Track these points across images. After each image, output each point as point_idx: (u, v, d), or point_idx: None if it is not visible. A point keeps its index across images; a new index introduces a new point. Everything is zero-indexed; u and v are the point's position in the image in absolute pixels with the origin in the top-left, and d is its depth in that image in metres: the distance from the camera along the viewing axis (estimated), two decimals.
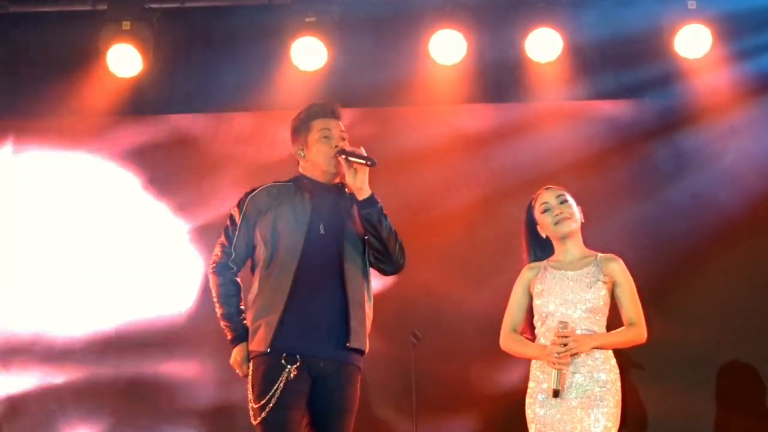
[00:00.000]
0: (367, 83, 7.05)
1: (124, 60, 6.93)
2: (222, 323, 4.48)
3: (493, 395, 6.61)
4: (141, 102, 7.20)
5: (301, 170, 4.63)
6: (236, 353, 4.42)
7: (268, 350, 4.27)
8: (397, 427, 6.73)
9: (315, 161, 4.55)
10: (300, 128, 4.59)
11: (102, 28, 6.92)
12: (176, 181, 7.17)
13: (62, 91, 7.08)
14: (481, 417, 6.79)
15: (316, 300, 4.33)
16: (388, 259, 4.49)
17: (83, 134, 7.25)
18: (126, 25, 6.89)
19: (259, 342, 4.31)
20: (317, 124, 4.55)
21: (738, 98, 6.94)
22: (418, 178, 7.03)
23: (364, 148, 4.46)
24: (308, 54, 6.86)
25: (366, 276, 4.50)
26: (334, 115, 4.59)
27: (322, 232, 4.42)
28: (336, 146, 4.49)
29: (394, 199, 6.84)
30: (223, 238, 4.52)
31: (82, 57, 7.06)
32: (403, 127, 7.12)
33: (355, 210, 4.47)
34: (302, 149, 4.59)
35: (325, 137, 4.52)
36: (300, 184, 4.55)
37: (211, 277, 4.52)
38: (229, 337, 4.46)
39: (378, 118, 7.15)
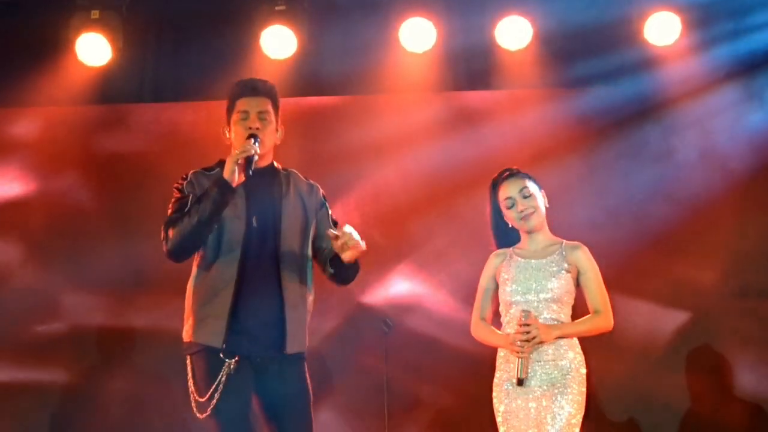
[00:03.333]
0: (337, 71, 7.03)
1: (94, 49, 6.89)
2: (206, 207, 4.09)
3: (466, 383, 6.62)
4: (110, 91, 7.16)
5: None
6: (228, 167, 4.10)
7: (223, 346, 4.08)
8: (368, 416, 6.74)
9: (234, 144, 4.31)
10: (228, 107, 4.38)
11: (71, 17, 6.88)
12: (145, 171, 7.14)
13: (31, 80, 7.03)
14: (453, 405, 6.81)
15: (254, 299, 4.15)
16: (342, 284, 4.44)
17: (51, 123, 7.22)
18: (95, 14, 6.85)
19: (209, 336, 4.11)
20: (238, 104, 4.33)
21: (707, 86, 6.97)
22: (388, 166, 7.04)
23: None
24: (278, 42, 6.83)
25: (305, 269, 4.30)
26: (255, 93, 4.33)
27: (255, 225, 4.20)
28: (249, 128, 4.27)
29: (364, 187, 6.92)
30: (172, 210, 4.23)
31: (51, 46, 7.01)
32: (372, 116, 7.11)
33: (299, 203, 4.30)
34: (228, 130, 4.38)
35: (242, 120, 4.29)
36: None
37: (167, 231, 4.16)
38: (215, 189, 4.09)
39: (348, 107, 7.15)
